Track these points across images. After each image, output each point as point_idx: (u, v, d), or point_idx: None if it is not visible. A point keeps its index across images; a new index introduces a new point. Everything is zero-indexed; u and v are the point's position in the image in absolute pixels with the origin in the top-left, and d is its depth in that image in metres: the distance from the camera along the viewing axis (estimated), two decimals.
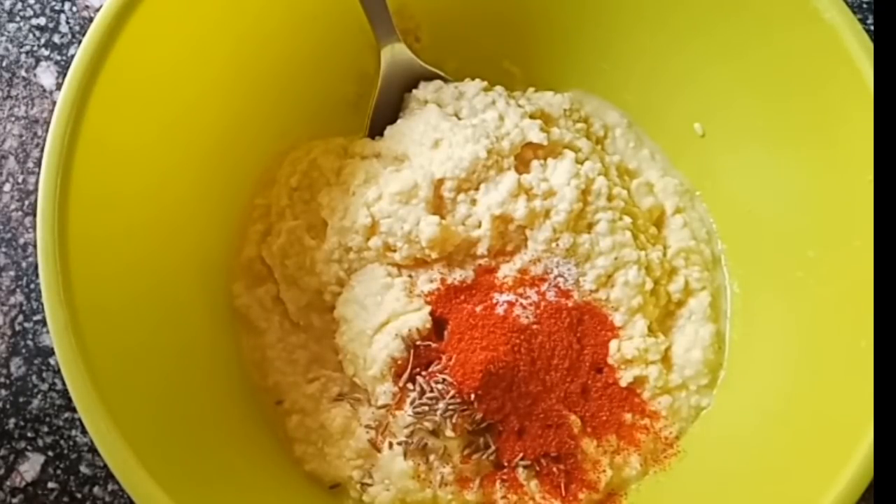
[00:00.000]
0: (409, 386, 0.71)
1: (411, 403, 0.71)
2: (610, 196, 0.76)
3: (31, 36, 0.87)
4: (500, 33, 0.82)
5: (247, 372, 0.76)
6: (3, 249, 0.82)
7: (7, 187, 0.84)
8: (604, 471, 0.72)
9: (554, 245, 0.74)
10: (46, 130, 0.67)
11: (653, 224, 0.80)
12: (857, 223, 0.66)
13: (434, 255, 0.74)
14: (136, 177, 0.68)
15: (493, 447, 0.71)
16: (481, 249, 0.74)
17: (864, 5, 0.87)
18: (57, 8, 0.88)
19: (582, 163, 0.76)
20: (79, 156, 0.62)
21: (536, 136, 0.75)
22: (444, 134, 0.75)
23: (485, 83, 0.80)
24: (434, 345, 0.72)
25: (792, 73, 0.70)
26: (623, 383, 0.74)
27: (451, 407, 0.69)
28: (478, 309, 0.73)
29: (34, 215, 0.81)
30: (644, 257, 0.75)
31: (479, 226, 0.74)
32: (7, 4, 0.88)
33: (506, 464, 0.71)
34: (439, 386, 0.70)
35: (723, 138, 0.78)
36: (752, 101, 0.74)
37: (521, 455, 0.70)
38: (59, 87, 0.86)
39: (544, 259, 0.74)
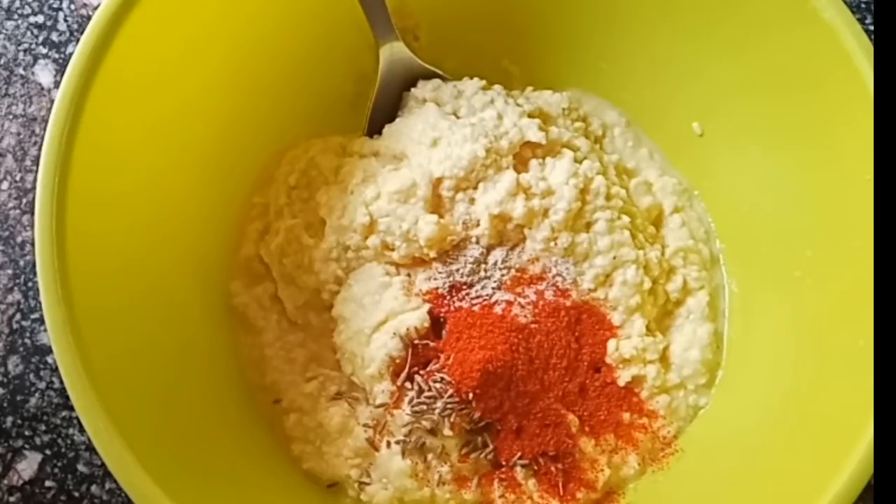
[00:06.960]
0: (408, 385, 0.71)
1: (409, 402, 0.71)
2: (608, 195, 0.76)
3: (28, 34, 0.87)
4: (499, 32, 0.82)
5: (244, 370, 0.76)
6: (1, 248, 0.82)
7: (5, 185, 0.83)
8: (602, 470, 0.72)
9: (552, 244, 0.74)
10: (44, 128, 0.67)
11: (651, 223, 0.80)
12: (855, 223, 0.66)
13: (432, 254, 0.74)
14: (135, 175, 0.68)
15: (491, 446, 0.71)
16: (480, 248, 0.74)
17: (864, 5, 0.87)
18: (55, 6, 0.88)
19: (580, 162, 0.76)
20: (76, 154, 0.62)
21: (535, 135, 0.75)
22: (442, 133, 0.75)
23: (483, 82, 0.79)
24: (432, 344, 0.72)
25: (791, 73, 0.70)
26: (621, 382, 0.74)
27: (449, 406, 0.69)
28: (476, 308, 0.73)
29: (32, 213, 0.81)
30: (642, 256, 0.75)
31: (478, 225, 0.74)
32: (5, 2, 0.88)
33: (504, 463, 0.71)
34: (437, 385, 0.70)
35: (721, 138, 0.78)
36: (751, 101, 0.74)
37: (519, 454, 0.70)
38: (56, 85, 0.86)
39: (543, 258, 0.74)
